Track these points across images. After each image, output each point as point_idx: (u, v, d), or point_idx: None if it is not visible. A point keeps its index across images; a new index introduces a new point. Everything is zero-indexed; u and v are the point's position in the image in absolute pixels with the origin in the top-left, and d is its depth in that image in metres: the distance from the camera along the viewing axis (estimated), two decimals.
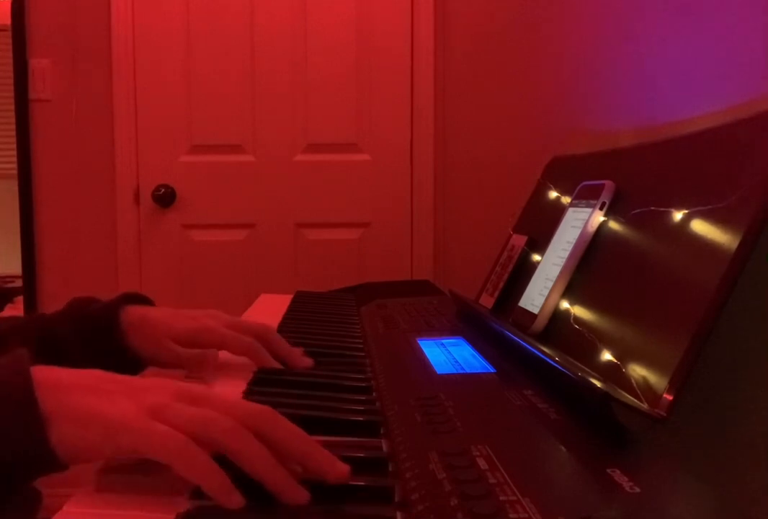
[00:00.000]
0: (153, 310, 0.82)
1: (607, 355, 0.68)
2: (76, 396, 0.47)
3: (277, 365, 0.78)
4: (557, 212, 0.94)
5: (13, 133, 2.33)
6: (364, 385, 0.73)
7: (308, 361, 0.80)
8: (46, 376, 0.48)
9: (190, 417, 0.47)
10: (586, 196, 0.87)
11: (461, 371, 0.75)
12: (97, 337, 0.78)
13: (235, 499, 0.44)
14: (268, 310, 1.01)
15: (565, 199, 1.00)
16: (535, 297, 0.88)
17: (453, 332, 0.96)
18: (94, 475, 0.48)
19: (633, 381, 0.61)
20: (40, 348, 0.78)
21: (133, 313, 0.80)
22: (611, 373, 0.65)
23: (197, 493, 0.45)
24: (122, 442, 0.46)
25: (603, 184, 0.83)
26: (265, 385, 0.72)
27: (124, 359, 0.78)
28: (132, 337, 0.78)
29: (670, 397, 0.55)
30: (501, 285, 1.05)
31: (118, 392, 0.49)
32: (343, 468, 0.47)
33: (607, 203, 0.82)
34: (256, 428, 0.47)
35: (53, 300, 2.27)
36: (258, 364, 0.78)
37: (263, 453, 0.46)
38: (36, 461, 0.46)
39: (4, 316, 1.83)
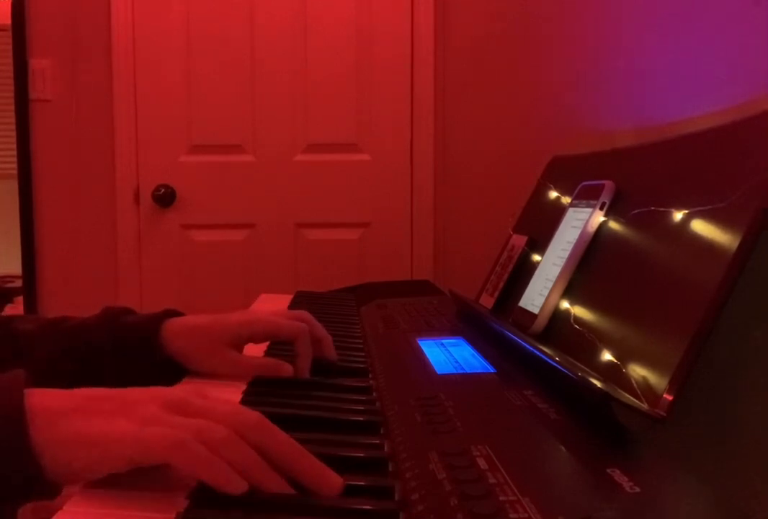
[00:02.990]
0: (195, 318, 0.81)
1: (607, 355, 0.68)
2: (69, 420, 0.47)
3: (307, 366, 0.77)
4: (557, 212, 0.94)
5: (13, 133, 2.33)
6: (364, 385, 0.73)
7: (335, 354, 0.82)
8: (38, 401, 0.47)
9: (183, 427, 0.46)
10: (586, 196, 0.87)
11: (461, 371, 0.75)
12: (138, 347, 0.77)
13: (238, 485, 0.44)
14: (268, 310, 1.00)
15: (565, 199, 1.00)
16: (535, 297, 0.88)
17: (453, 332, 0.96)
18: None
19: (633, 381, 0.61)
20: (74, 354, 0.78)
21: (176, 323, 0.79)
22: (611, 373, 0.65)
23: (197, 493, 0.45)
24: (117, 455, 0.45)
25: (603, 184, 0.83)
26: (265, 385, 0.72)
27: (164, 369, 0.77)
28: (177, 347, 0.77)
29: (670, 397, 0.55)
30: (501, 285, 1.05)
31: (111, 411, 0.48)
32: (336, 481, 0.46)
33: (607, 203, 0.82)
34: (249, 437, 0.47)
35: (53, 300, 2.27)
36: (298, 353, 0.77)
37: (257, 460, 0.46)
38: (29, 490, 0.45)
39: (17, 314, 1.81)
